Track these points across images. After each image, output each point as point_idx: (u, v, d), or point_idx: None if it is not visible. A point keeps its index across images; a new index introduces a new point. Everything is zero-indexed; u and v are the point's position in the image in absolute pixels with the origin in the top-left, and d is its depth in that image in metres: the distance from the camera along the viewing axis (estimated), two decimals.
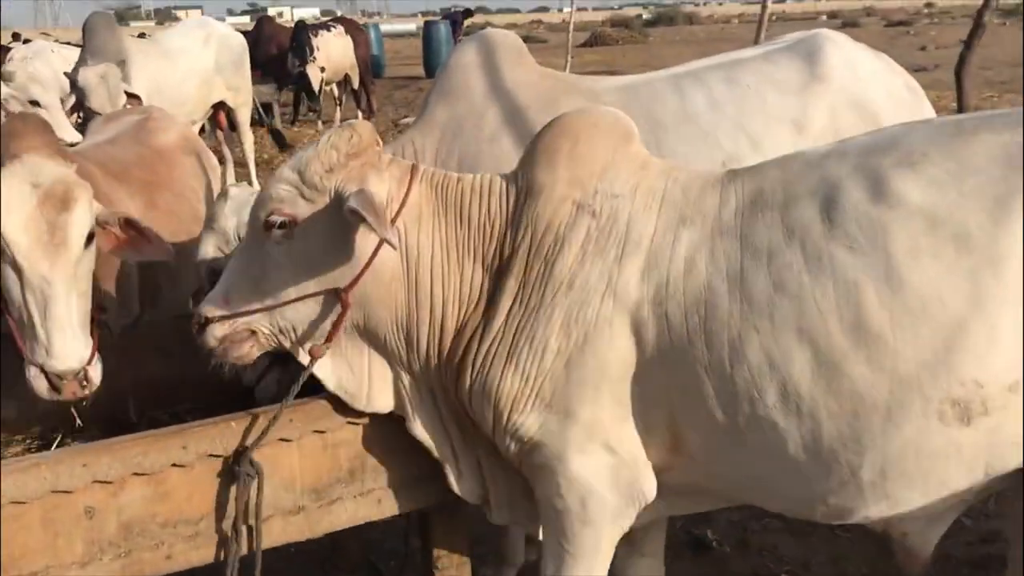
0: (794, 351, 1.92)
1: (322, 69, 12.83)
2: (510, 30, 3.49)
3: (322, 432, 2.18)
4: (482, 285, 2.14)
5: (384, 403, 2.22)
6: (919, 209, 1.90)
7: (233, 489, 2.06)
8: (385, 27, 28.85)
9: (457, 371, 2.15)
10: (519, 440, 2.12)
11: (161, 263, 3.31)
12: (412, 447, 2.25)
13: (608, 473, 2.11)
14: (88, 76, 5.59)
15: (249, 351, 2.18)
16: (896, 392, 1.89)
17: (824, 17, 47.61)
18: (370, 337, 2.18)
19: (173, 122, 3.79)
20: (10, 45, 10.91)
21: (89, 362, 2.24)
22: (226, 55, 8.40)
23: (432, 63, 20.99)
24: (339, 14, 20.11)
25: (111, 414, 2.56)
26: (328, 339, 2.12)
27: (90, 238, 2.33)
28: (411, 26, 50.49)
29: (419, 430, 2.23)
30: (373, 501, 2.26)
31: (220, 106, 8.66)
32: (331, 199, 2.08)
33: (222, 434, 2.07)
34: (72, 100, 5.82)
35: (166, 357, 2.70)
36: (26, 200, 2.20)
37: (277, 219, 2.08)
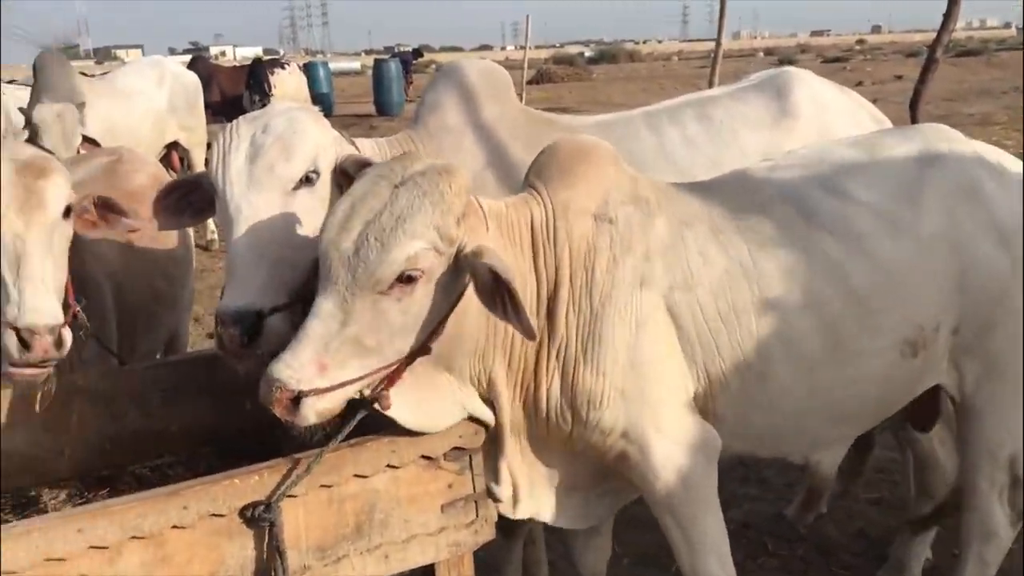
0: (802, 318, 2.39)
1: None
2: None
3: (328, 486, 2.08)
4: (537, 298, 2.27)
5: (450, 420, 2.22)
6: (865, 203, 2.48)
7: (238, 551, 1.95)
8: (331, 65, 28.78)
9: (533, 378, 2.29)
10: (603, 432, 2.32)
11: (142, 307, 3.20)
12: (419, 498, 2.17)
13: (688, 441, 2.36)
14: (44, 113, 5.47)
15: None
16: (874, 339, 2.46)
17: (761, 54, 48.89)
18: (446, 365, 2.18)
19: (144, 162, 3.67)
20: None
21: (62, 326, 2.22)
22: (180, 95, 8.27)
23: (383, 101, 21.06)
24: (282, 52, 20.10)
25: (88, 468, 2.47)
26: (389, 385, 2.06)
27: (67, 212, 2.37)
28: (355, 64, 50.34)
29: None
30: (380, 557, 2.16)
31: (173, 146, 8.51)
32: (456, 251, 2.06)
33: (225, 492, 1.96)
34: (24, 138, 5.67)
35: (144, 408, 2.59)
36: (4, 169, 2.25)
37: (416, 274, 2.00)
